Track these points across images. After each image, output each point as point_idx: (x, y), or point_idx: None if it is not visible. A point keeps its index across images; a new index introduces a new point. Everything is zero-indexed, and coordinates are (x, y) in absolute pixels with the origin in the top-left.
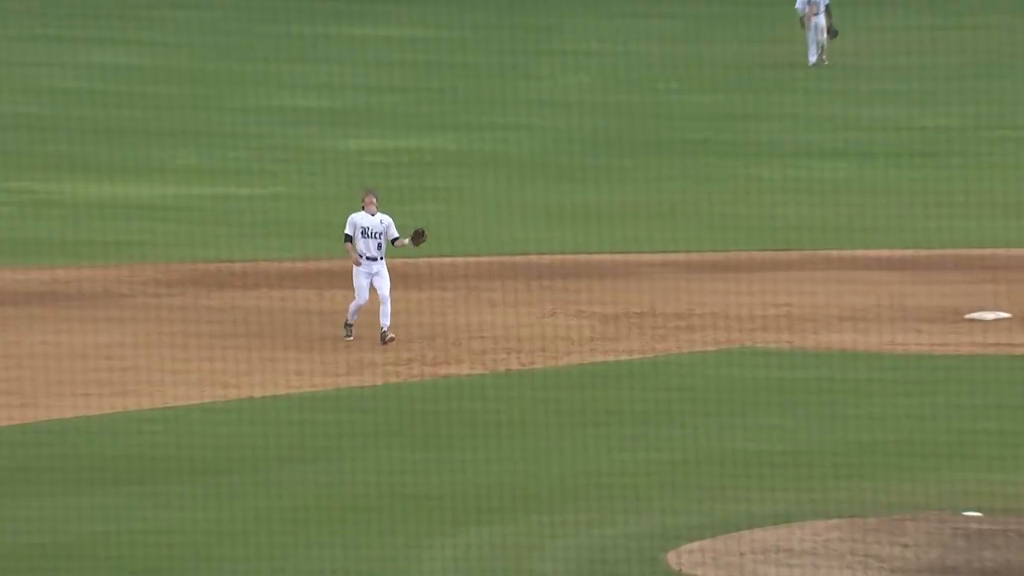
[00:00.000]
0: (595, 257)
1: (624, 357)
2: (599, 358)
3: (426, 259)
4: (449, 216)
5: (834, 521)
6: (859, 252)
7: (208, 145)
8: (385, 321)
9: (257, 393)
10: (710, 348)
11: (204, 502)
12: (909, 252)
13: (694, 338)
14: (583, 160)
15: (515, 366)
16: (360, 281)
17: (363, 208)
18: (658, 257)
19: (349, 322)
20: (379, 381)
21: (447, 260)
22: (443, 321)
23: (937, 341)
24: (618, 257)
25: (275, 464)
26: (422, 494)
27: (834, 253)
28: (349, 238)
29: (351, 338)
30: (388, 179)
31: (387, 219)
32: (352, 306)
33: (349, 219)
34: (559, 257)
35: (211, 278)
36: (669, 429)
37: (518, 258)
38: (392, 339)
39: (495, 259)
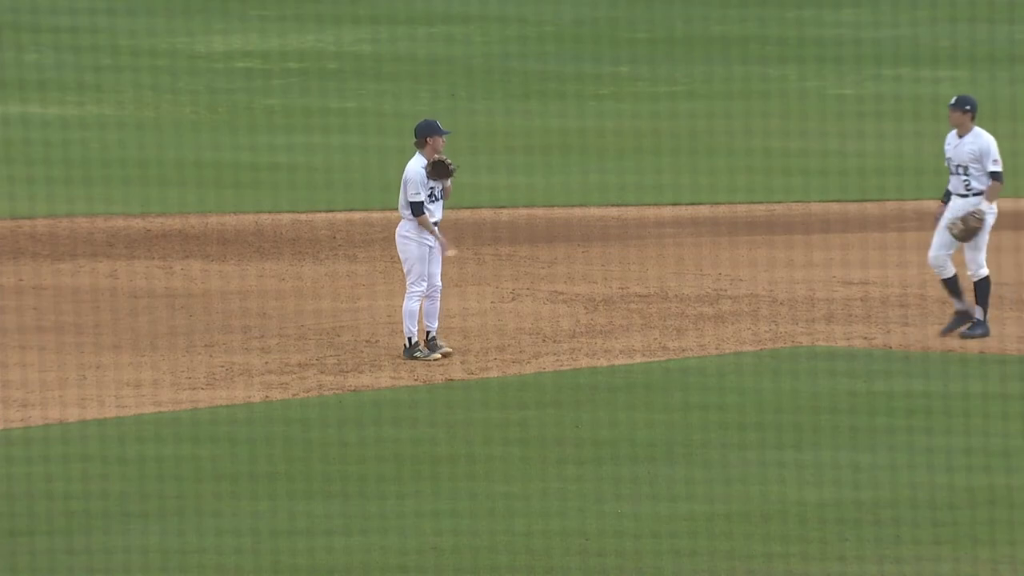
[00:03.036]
0: (577, 212)
1: (622, 361)
2: (584, 362)
3: (324, 213)
4: (363, 151)
5: None
6: None
7: None
8: (434, 323)
9: (71, 416)
10: (748, 347)
11: None
12: None
13: (725, 332)
14: (560, 66)
15: (459, 375)
16: (432, 268)
17: (422, 155)
18: (671, 212)
19: (428, 331)
20: (257, 397)
21: (356, 216)
22: (352, 308)
23: None
24: (612, 212)
25: (89, 525)
26: (320, 567)
27: (935, 204)
28: (422, 207)
29: (441, 353)
30: (266, 95)
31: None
32: (413, 304)
33: (414, 175)
34: (524, 211)
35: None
36: (686, 468)
37: (463, 213)
38: (449, 353)
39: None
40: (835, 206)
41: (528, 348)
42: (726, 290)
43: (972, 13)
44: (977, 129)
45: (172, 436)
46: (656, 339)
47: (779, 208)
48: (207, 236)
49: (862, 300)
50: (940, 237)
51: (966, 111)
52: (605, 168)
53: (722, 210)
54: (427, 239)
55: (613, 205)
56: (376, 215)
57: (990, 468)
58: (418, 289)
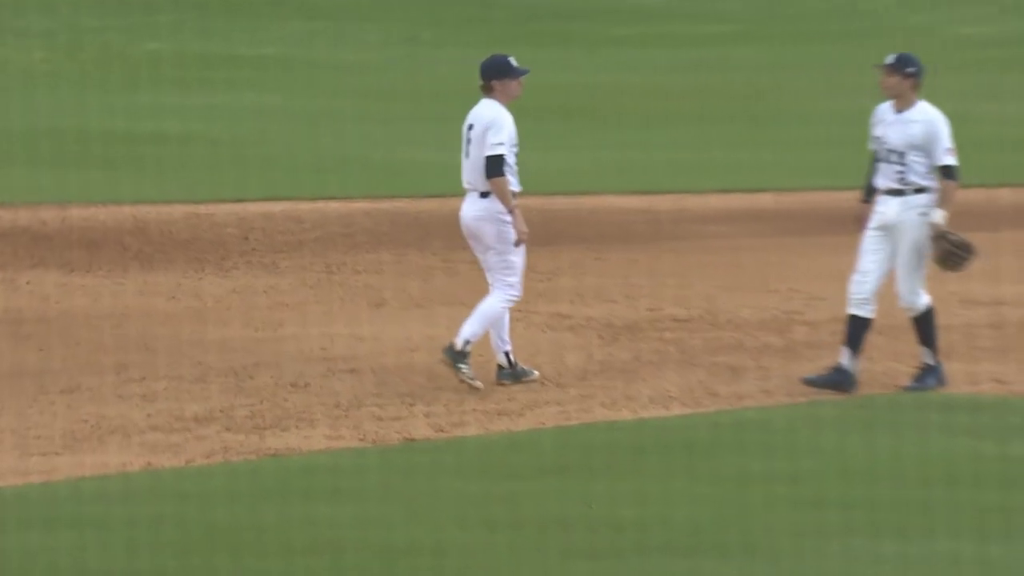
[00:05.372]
0: (588, 201)
1: (652, 413)
2: (599, 414)
3: (232, 204)
4: (286, 115)
5: None
6: None
7: None
8: (475, 333)
9: None
10: (830, 393)
11: None
12: None
13: (798, 372)
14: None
15: (424, 431)
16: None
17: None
18: (720, 201)
19: (506, 352)
20: (136, 464)
21: (276, 207)
22: (273, 337)
23: None
24: (637, 202)
25: None
26: None
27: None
28: (503, 164)
29: (534, 376)
30: (149, 36)
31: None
32: (503, 302)
33: (506, 121)
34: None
35: None
36: (744, 563)
37: (426, 203)
38: (532, 378)
39: (379, 205)
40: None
41: (521, 394)
42: (800, 312)
43: None
44: (923, 103)
45: (16, 521)
46: (701, 382)
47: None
48: (66, 236)
49: (993, 327)
50: (873, 258)
51: (908, 74)
52: (627, 141)
53: (793, 199)
54: (503, 215)
55: (639, 192)
56: (305, 207)
57: None
58: (516, 292)
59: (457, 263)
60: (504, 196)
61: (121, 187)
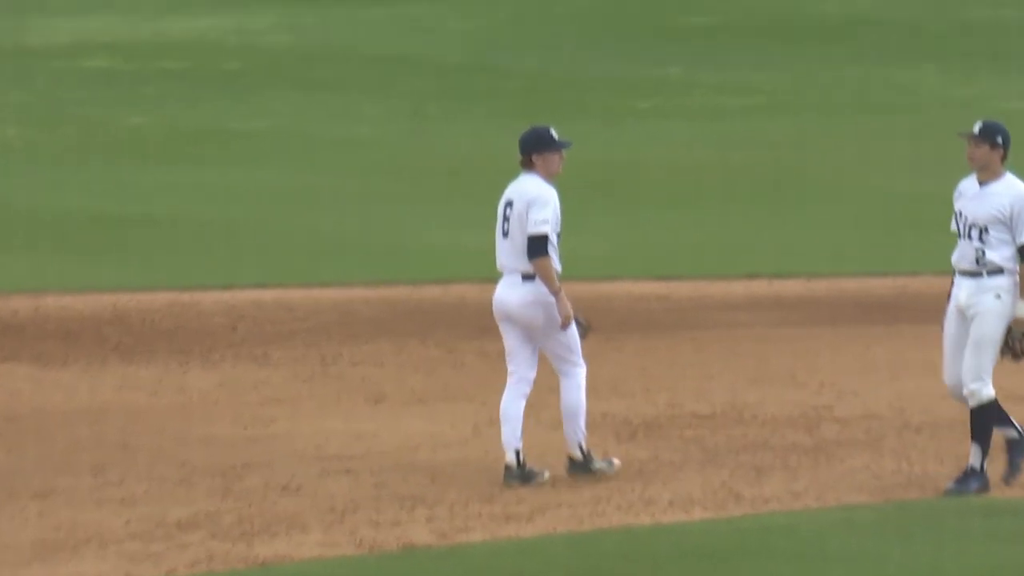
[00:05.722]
0: (604, 287)
1: (672, 517)
2: (615, 519)
3: (219, 292)
4: (280, 194)
5: None
6: None
7: None
8: (578, 430)
9: None
10: (865, 497)
11: None
12: None
13: (830, 474)
14: (579, 66)
15: (426, 537)
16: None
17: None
18: (746, 288)
19: (517, 450)
20: (115, 575)
21: (267, 295)
22: (263, 435)
23: None
24: (656, 287)
25: None
26: None
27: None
28: (547, 244)
29: (544, 477)
30: (133, 110)
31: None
32: (581, 383)
33: (550, 198)
34: None
35: None
36: None
37: (430, 289)
38: (604, 469)
39: (378, 291)
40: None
41: (530, 497)
42: (832, 408)
43: None
44: (1010, 176)
45: None
46: (724, 483)
47: (913, 283)
48: (40, 327)
49: None
50: (950, 344)
51: (996, 144)
52: (646, 220)
53: (824, 285)
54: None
55: (659, 278)
56: (298, 294)
57: None
58: (584, 367)
59: (463, 354)
60: (549, 278)
61: (100, 273)
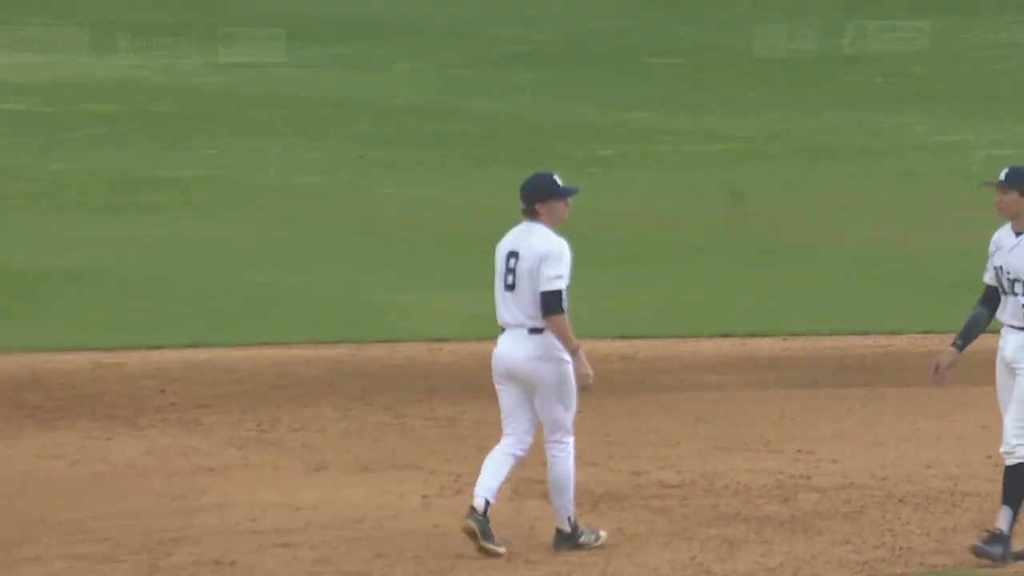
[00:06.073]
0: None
1: None
2: None
3: (146, 351)
4: (212, 247)
5: None
6: None
7: None
8: (568, 502)
9: None
10: (846, 572)
11: None
12: None
13: (808, 548)
14: (536, 111)
15: None
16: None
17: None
18: (715, 347)
19: (571, 516)
20: None
21: (200, 355)
22: (194, 507)
23: None
24: (619, 346)
25: None
26: None
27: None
28: (562, 301)
29: (500, 551)
30: (49, 157)
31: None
32: (570, 454)
33: (565, 252)
34: (475, 346)
35: None
36: None
37: (376, 350)
38: (591, 542)
39: (320, 351)
40: (992, 339)
41: (482, 573)
42: (809, 477)
43: None
44: None
45: None
46: (694, 558)
47: (898, 341)
48: None
49: None
50: (1000, 398)
51: None
52: (607, 277)
53: (800, 344)
54: (562, 353)
55: (622, 336)
56: (233, 354)
57: None
58: (572, 437)
59: (411, 419)
60: (566, 336)
61: (16, 332)
